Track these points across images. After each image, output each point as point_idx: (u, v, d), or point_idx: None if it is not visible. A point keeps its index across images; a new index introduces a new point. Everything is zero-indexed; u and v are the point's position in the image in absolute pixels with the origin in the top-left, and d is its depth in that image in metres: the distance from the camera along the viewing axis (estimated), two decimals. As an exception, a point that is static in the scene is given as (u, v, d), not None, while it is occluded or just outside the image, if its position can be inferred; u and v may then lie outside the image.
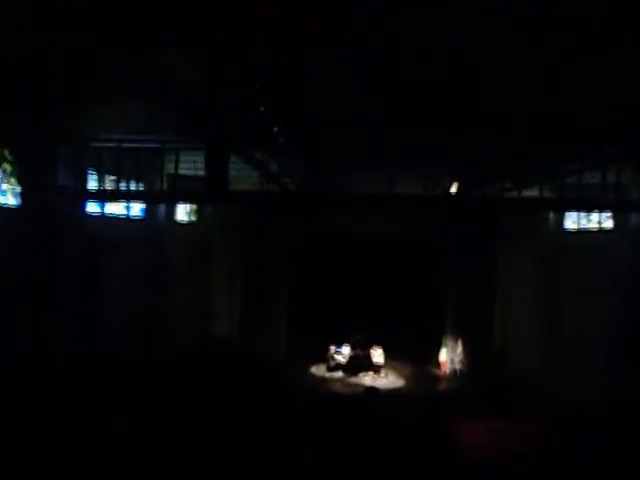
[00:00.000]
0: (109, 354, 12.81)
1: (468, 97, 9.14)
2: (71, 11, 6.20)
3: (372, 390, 14.99)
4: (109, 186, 13.72)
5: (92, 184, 13.34)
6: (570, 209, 16.01)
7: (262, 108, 9.98)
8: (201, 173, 12.11)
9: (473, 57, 7.57)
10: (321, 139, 12.56)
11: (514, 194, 13.88)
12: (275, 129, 11.29)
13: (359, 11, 6.58)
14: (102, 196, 13.65)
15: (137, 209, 15.85)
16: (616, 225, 15.72)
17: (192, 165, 12.92)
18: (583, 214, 16.47)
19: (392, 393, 18.05)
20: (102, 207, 14.35)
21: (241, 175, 12.90)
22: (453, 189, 14.71)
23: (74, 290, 12.78)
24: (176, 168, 12.60)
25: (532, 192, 13.69)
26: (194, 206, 18.34)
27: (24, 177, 11.50)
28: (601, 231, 16.19)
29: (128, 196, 14.60)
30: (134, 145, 12.34)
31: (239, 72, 8.53)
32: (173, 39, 7.15)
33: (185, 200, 16.56)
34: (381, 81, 8.98)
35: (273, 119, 10.64)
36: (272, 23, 7.07)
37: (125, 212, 15.43)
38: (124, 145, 12.07)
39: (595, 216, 16.27)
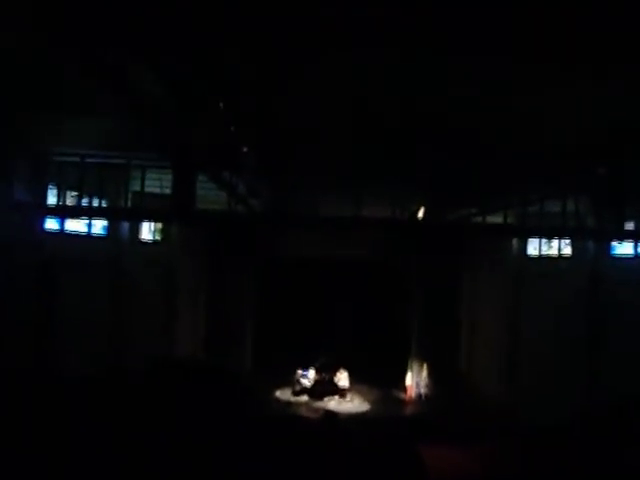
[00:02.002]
0: (65, 374, 12.29)
1: (438, 123, 9.32)
2: (36, 19, 6.02)
3: (330, 414, 14.80)
4: (70, 202, 13.29)
5: (51, 199, 12.91)
6: (532, 235, 16.48)
7: (232, 128, 9.94)
8: (168, 191, 11.88)
9: (445, 84, 7.74)
10: (290, 161, 12.55)
11: (479, 220, 14.17)
12: (244, 149, 11.24)
13: (329, 31, 6.63)
14: (62, 212, 13.20)
15: (99, 226, 15.40)
16: (574, 252, 16.25)
17: (158, 183, 12.67)
18: (544, 241, 16.96)
19: (355, 417, 17.86)
20: (62, 224, 13.87)
21: (208, 195, 12.73)
22: (420, 214, 14.91)
23: (29, 309, 12.23)
24: (142, 185, 12.32)
25: (496, 218, 14.04)
26: (159, 225, 17.96)
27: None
28: (561, 257, 16.68)
29: (90, 212, 14.13)
30: (99, 160, 12.04)
31: (210, 90, 8.48)
32: (143, 55, 7.03)
33: (150, 218, 16.20)
34: (351, 103, 9.06)
35: (243, 139, 10.59)
36: (243, 42, 7.07)
37: (86, 229, 14.96)
38: (88, 160, 11.76)
39: (555, 243, 16.79)
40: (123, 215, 14.78)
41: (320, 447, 10.52)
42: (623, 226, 13.76)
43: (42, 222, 13.09)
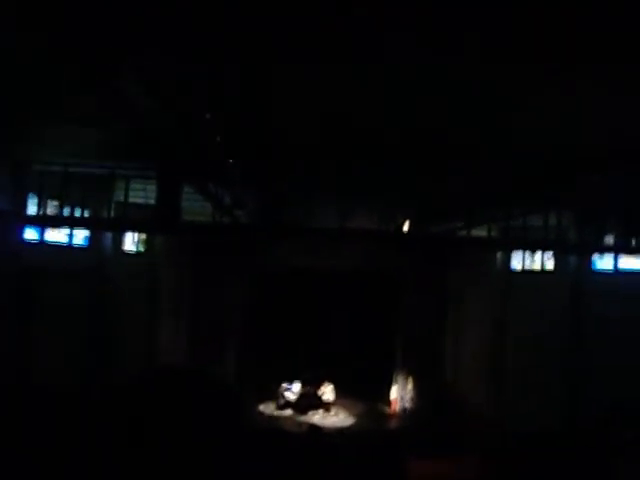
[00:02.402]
0: (42, 385, 12.01)
1: (425, 137, 9.38)
2: (21, 28, 5.93)
3: (314, 429, 14.70)
4: (51, 212, 13.07)
5: (32, 209, 12.68)
6: (515, 248, 16.66)
7: (218, 139, 9.88)
8: (152, 202, 11.76)
9: (433, 97, 7.79)
10: (278, 172, 12.53)
11: (464, 233, 14.27)
12: (230, 161, 11.18)
13: (317, 40, 6.60)
14: (42, 221, 12.96)
15: (80, 237, 15.13)
16: (557, 267, 16.45)
17: (143, 193, 12.54)
18: (528, 256, 17.16)
19: (340, 431, 17.72)
20: (42, 234, 13.61)
21: (194, 206, 12.64)
22: (405, 227, 14.97)
23: (7, 321, 11.94)
24: (125, 195, 12.18)
25: (481, 232, 14.17)
26: (143, 236, 17.74)
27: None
28: (544, 272, 16.87)
29: (71, 222, 13.88)
30: (82, 170, 11.87)
31: (195, 101, 8.43)
32: (128, 65, 6.96)
33: (133, 229, 15.99)
34: (338, 116, 9.07)
35: (229, 150, 10.53)
36: (229, 53, 7.04)
37: (67, 240, 14.67)
38: (71, 170, 11.58)
39: (538, 258, 16.98)
40: (106, 225, 14.57)
41: (304, 461, 10.43)
42: (604, 240, 14.02)
43: (21, 232, 12.82)
